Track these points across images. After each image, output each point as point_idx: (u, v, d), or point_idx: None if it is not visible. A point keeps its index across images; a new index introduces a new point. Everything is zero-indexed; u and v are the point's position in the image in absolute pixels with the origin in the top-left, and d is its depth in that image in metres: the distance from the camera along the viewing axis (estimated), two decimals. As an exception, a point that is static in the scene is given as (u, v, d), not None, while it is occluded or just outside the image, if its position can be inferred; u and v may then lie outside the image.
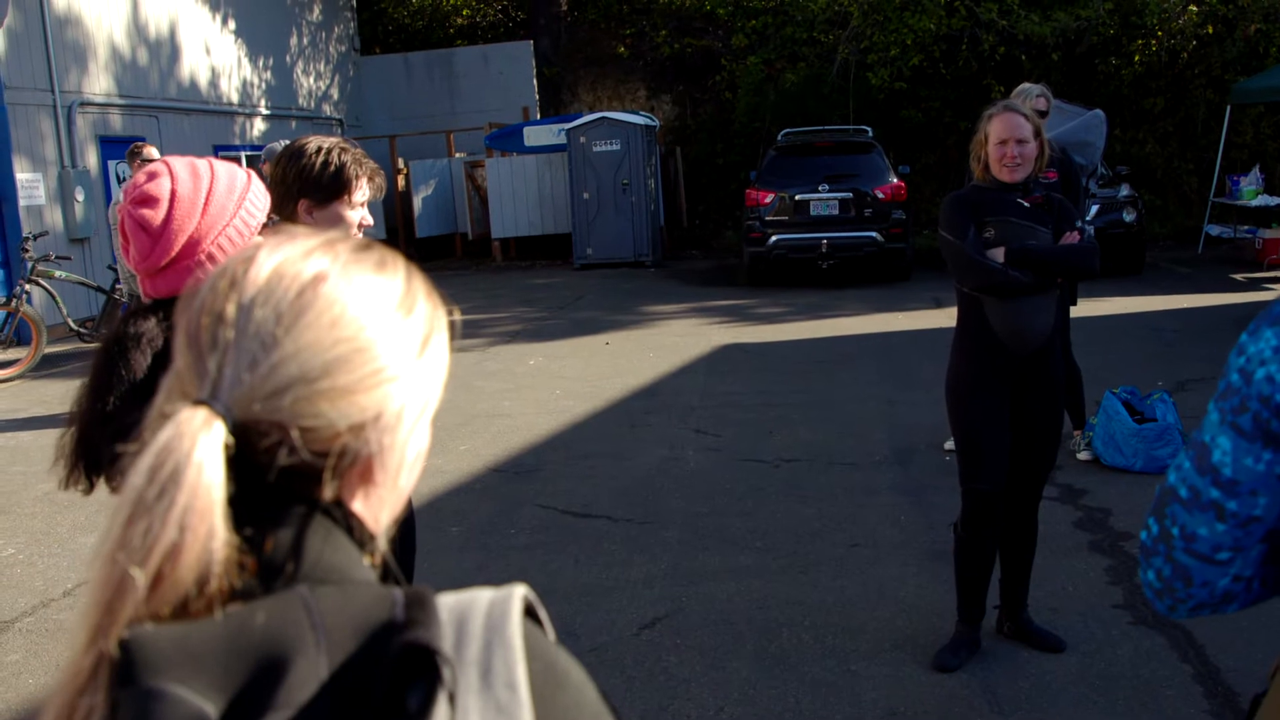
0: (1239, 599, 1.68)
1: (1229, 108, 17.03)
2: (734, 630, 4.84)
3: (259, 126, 19.77)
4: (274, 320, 0.94)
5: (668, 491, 6.81)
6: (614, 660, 4.60)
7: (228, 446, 0.90)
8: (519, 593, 0.96)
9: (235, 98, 19.19)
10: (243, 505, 0.91)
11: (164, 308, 2.26)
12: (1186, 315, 12.07)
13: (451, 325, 1.10)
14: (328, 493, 0.96)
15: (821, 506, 6.39)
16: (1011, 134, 4.21)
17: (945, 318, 11.79)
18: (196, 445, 0.88)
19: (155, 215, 2.22)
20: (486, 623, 0.93)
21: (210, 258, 2.24)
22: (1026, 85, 6.77)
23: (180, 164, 2.29)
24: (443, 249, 21.22)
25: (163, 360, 2.18)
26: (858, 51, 20.08)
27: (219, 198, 2.25)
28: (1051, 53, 19.33)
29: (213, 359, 0.93)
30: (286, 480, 0.94)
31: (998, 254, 4.21)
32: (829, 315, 13.34)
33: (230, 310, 0.95)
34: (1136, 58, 19.55)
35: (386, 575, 1.01)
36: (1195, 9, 19.03)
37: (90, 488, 2.24)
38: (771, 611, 5.01)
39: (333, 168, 2.87)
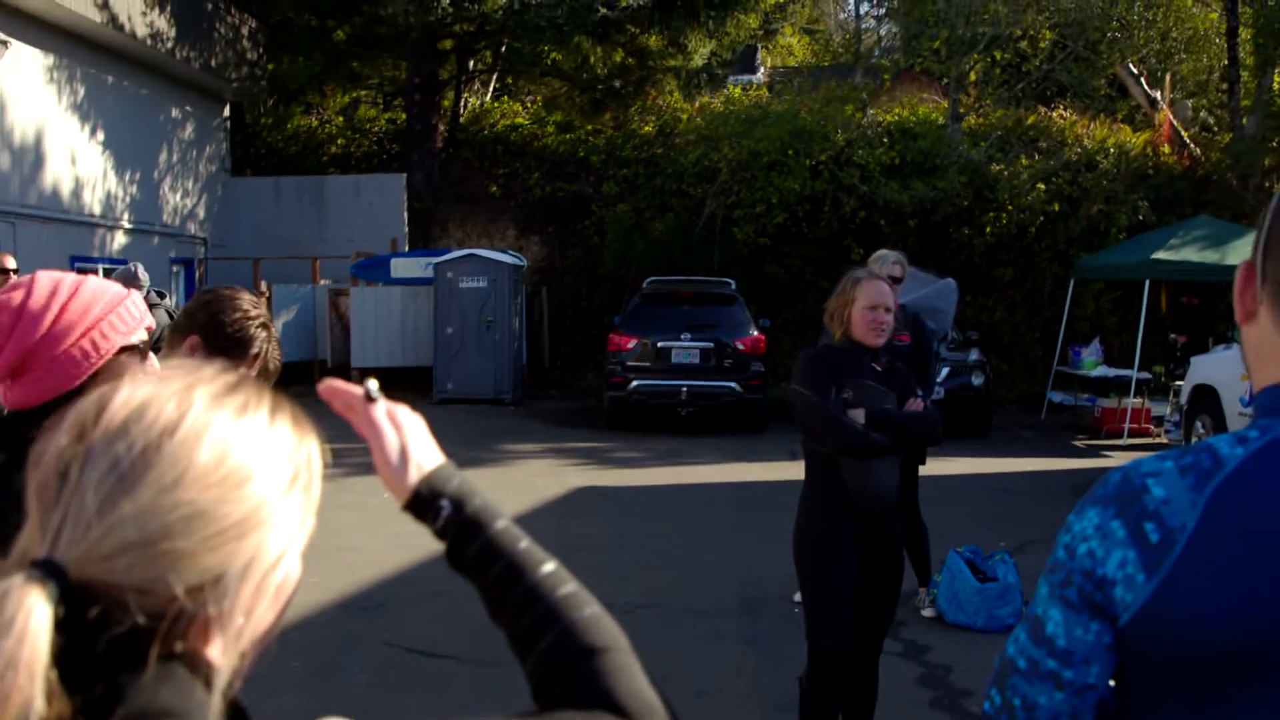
0: None
1: (1072, 281, 17.90)
2: (577, 778, 4.77)
3: (120, 240, 19.40)
4: (115, 480, 0.94)
5: (517, 633, 6.72)
6: (454, 806, 4.50)
7: (59, 607, 0.90)
8: None
9: (98, 209, 18.82)
10: (77, 655, 0.90)
11: (22, 420, 2.20)
12: (1029, 478, 12.46)
13: (324, 458, 1.11)
14: (157, 653, 0.94)
15: (670, 653, 6.38)
16: (882, 301, 4.45)
17: (799, 470, 11.91)
18: (22, 609, 0.88)
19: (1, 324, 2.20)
20: None
21: (72, 358, 2.19)
22: (884, 252, 7.02)
23: (45, 279, 2.26)
24: (301, 375, 20.76)
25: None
26: (725, 206, 20.70)
27: (71, 314, 2.19)
28: (909, 219, 20.18)
29: (55, 515, 0.94)
30: (125, 633, 0.93)
31: (858, 415, 4.38)
32: (686, 462, 13.46)
33: (74, 467, 0.95)
34: (988, 229, 20.49)
35: (235, 709, 1.01)
36: (1043, 187, 20.12)
37: None
38: (616, 760, 4.96)
39: (243, 336, 2.81)
